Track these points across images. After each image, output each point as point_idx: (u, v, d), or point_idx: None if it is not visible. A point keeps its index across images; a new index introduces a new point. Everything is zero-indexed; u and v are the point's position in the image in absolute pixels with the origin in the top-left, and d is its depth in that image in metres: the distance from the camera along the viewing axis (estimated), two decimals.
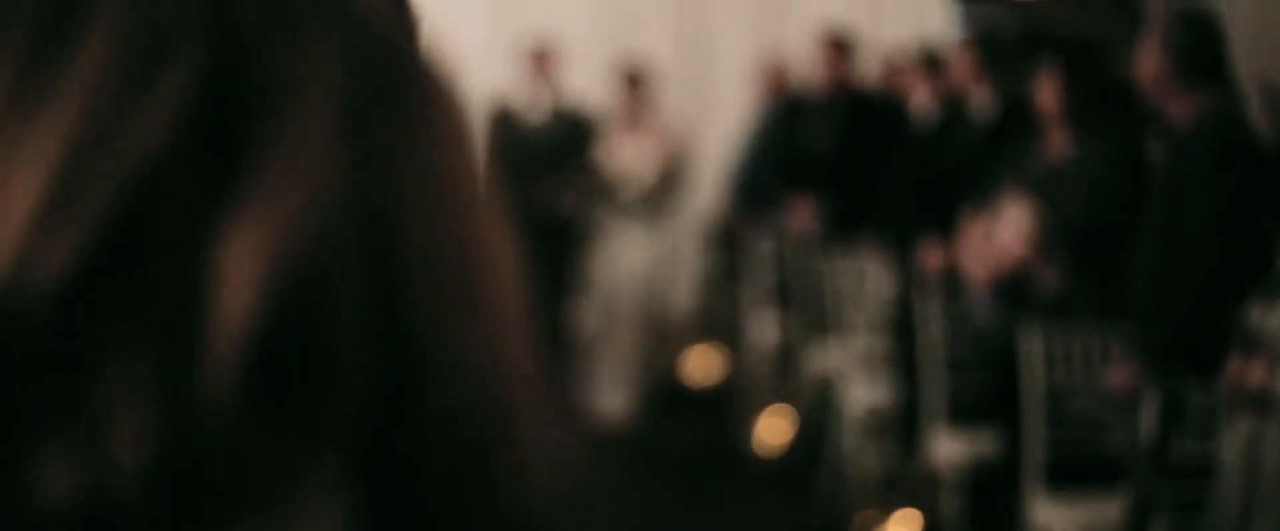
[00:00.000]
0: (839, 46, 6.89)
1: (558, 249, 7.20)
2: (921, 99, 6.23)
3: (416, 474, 0.48)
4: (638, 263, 7.48)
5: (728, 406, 6.93)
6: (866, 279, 6.39)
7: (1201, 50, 4.00)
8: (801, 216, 6.73)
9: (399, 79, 0.50)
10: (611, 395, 7.38)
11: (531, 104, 7.42)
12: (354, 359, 0.46)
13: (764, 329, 7.19)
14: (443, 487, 0.49)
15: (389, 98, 0.49)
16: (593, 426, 6.98)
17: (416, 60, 0.52)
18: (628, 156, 7.47)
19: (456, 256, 0.50)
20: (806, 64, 7.23)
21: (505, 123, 7.27)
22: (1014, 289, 4.59)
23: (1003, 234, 4.58)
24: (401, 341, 0.47)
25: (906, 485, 4.74)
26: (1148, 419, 3.84)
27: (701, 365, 7.75)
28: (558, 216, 7.19)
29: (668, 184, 7.57)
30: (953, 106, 5.62)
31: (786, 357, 6.79)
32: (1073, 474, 4.32)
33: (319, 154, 0.45)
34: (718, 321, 7.82)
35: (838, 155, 6.69)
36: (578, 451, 0.55)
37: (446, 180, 0.50)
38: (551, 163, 7.21)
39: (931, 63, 6.24)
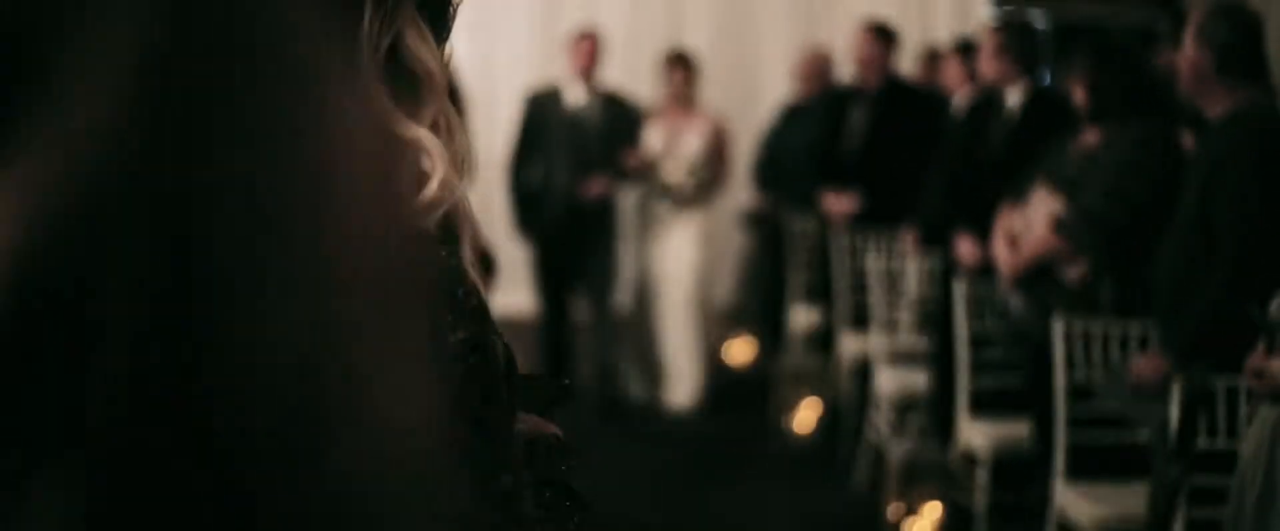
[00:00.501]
0: (880, 38, 6.91)
1: (592, 236, 7.11)
2: (960, 92, 6.27)
3: (194, 457, 0.43)
4: (687, 250, 7.31)
5: (765, 393, 6.99)
6: (903, 269, 6.44)
7: (1241, 47, 4.01)
8: (841, 207, 6.78)
9: (210, 34, 0.45)
10: (678, 387, 7.28)
11: (574, 88, 7.23)
12: (119, 334, 0.41)
13: (802, 317, 7.26)
14: (234, 473, 0.44)
15: (197, 54, 0.44)
16: (657, 416, 7.07)
17: (238, 13, 0.46)
18: (676, 141, 7.29)
19: (280, 229, 0.45)
20: (848, 57, 7.27)
21: (546, 106, 7.15)
22: (1043, 281, 4.62)
23: (1032, 227, 4.62)
24: (190, 317, 0.43)
25: (938, 473, 4.79)
26: (1173, 410, 3.87)
27: (741, 352, 7.82)
28: (591, 203, 7.06)
29: (717, 169, 7.40)
30: (988, 99, 5.64)
31: (823, 346, 6.85)
32: (1099, 464, 4.36)
33: (96, 116, 0.42)
34: (757, 309, 7.88)
35: (877, 147, 6.73)
36: (431, 427, 0.50)
37: (270, 142, 0.45)
38: (596, 148, 7.07)
39: (967, 52, 6.27)
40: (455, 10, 1.22)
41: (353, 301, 0.46)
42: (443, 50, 1.17)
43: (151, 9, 0.44)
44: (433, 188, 1.06)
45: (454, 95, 5.62)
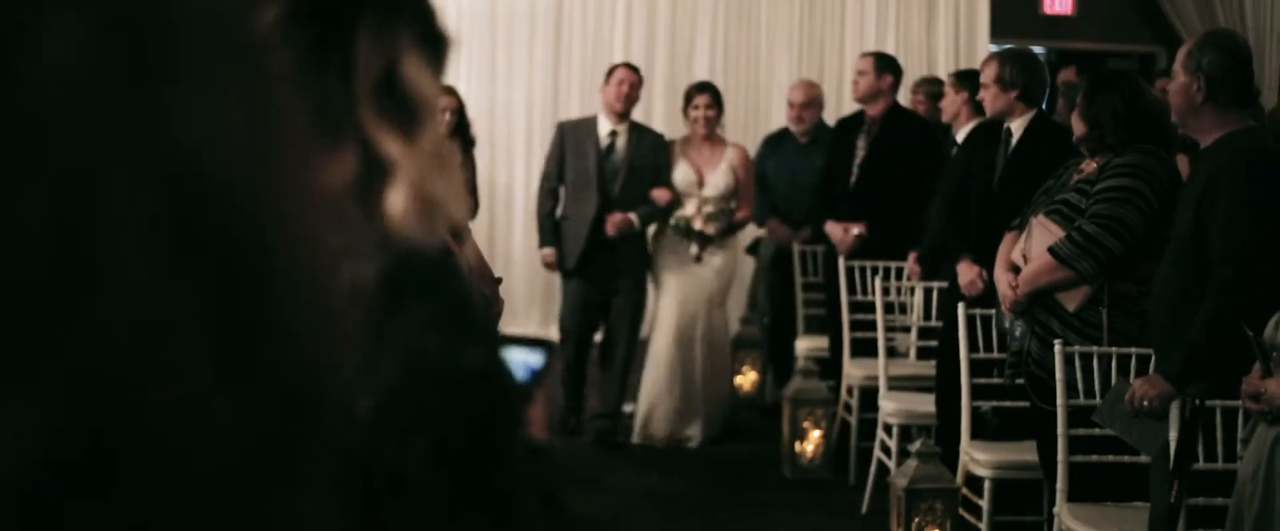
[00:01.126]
0: (882, 67, 7.01)
1: (623, 268, 7.04)
2: (960, 122, 6.35)
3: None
4: (710, 283, 7.11)
5: (773, 419, 7.05)
6: (908, 297, 6.52)
7: (1231, 75, 4.08)
8: (844, 235, 6.87)
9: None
10: (691, 425, 7.08)
11: (606, 121, 7.11)
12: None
13: (809, 345, 7.33)
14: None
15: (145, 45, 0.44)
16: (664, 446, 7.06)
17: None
18: (704, 177, 7.09)
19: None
20: (851, 88, 7.35)
21: (579, 136, 7.09)
22: (1042, 307, 4.69)
23: (1032, 254, 4.68)
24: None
25: (942, 497, 4.85)
26: (1172, 431, 3.93)
27: (750, 379, 7.88)
28: (617, 236, 6.95)
29: (744, 203, 7.19)
30: (990, 128, 5.72)
31: (831, 373, 6.92)
32: (1101, 485, 4.42)
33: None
34: (765, 337, 7.94)
35: (877, 174, 6.82)
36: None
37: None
38: (627, 180, 7.00)
39: (967, 82, 6.36)
40: (451, 43, 1.22)
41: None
42: (440, 79, 1.18)
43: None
44: (397, 205, 1.06)
45: (464, 131, 5.70)
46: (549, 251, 7.11)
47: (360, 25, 1.09)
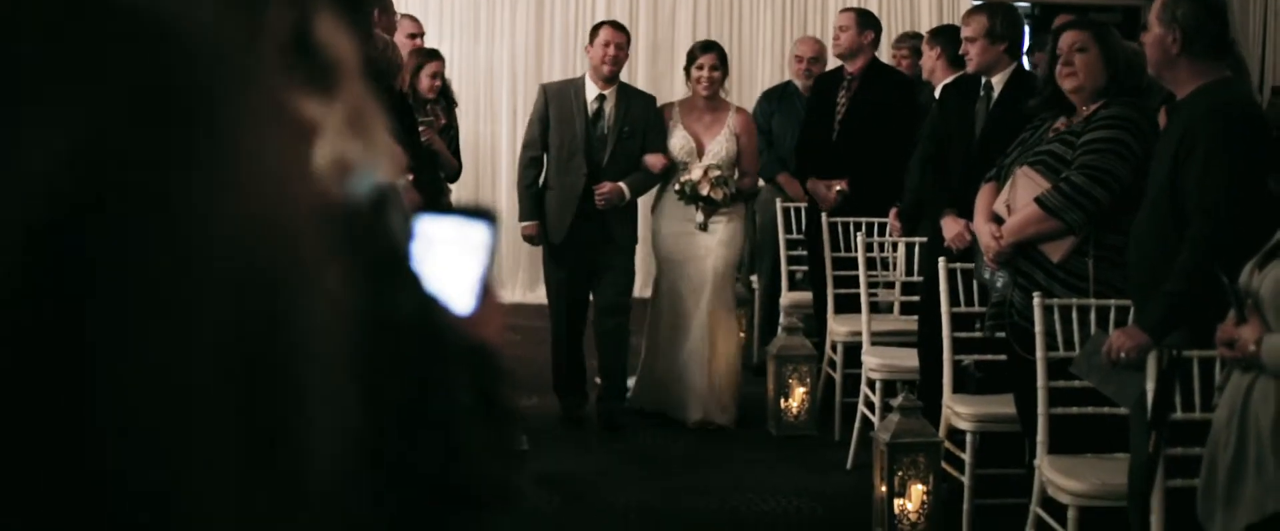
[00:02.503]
0: (862, 23, 7.01)
1: (611, 235, 6.58)
2: (937, 77, 6.36)
3: None
4: (713, 253, 6.63)
5: (759, 377, 7.07)
6: (890, 253, 6.54)
7: (1206, 26, 4.08)
8: (827, 192, 6.87)
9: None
10: (697, 409, 6.63)
11: (593, 84, 6.60)
12: None
13: (793, 300, 7.35)
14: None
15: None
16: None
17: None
18: (704, 144, 6.62)
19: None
20: (833, 46, 7.35)
21: (564, 99, 6.59)
22: (1025, 258, 4.70)
23: (1016, 206, 4.69)
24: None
25: (925, 450, 4.88)
26: (1149, 383, 3.95)
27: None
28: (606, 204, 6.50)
29: (750, 168, 6.74)
30: (971, 81, 5.72)
31: (815, 327, 6.94)
32: (1082, 437, 4.45)
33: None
34: (760, 297, 7.95)
35: (858, 130, 6.83)
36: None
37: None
38: (615, 145, 6.53)
39: (940, 38, 6.36)
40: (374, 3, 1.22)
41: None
42: (363, 40, 1.17)
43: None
44: (324, 164, 1.07)
45: (447, 93, 5.68)
46: (530, 224, 6.63)
47: None
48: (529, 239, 6.75)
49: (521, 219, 6.70)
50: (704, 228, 6.58)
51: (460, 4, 10.11)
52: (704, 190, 6.52)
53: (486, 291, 1.23)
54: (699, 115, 6.68)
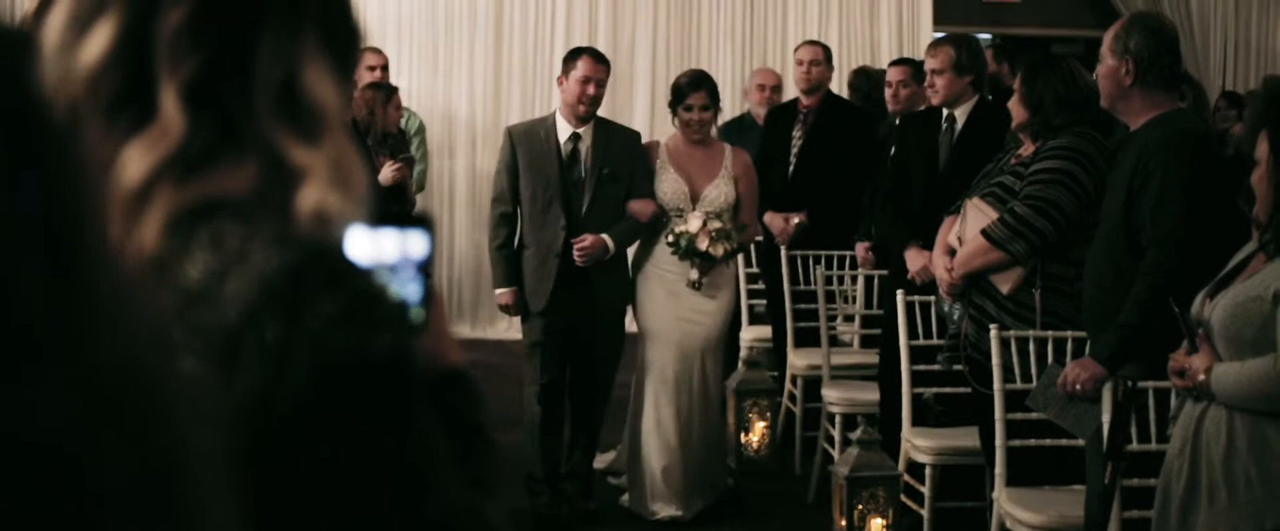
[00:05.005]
0: (830, 58, 7.05)
1: (599, 305, 5.66)
2: (899, 106, 6.37)
3: None
4: (705, 322, 5.75)
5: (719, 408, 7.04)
6: (850, 286, 6.53)
7: (1158, 57, 4.09)
8: (785, 225, 6.86)
9: None
10: (683, 501, 5.77)
11: (566, 124, 5.67)
12: None
13: (753, 335, 7.33)
14: None
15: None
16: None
17: None
18: (700, 191, 5.70)
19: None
20: (794, 77, 7.37)
21: (534, 140, 5.67)
22: (978, 291, 4.69)
23: (966, 238, 4.69)
24: None
25: (884, 484, 4.86)
26: (1105, 414, 3.94)
27: None
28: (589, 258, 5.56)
29: (750, 215, 5.88)
30: (932, 114, 5.72)
31: (774, 361, 6.92)
32: (1040, 469, 4.43)
33: None
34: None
35: (817, 164, 6.82)
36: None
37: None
38: (596, 193, 5.60)
39: (909, 69, 6.37)
40: (360, 50, 1.24)
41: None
42: (347, 88, 1.19)
43: None
44: (307, 209, 1.09)
45: (401, 137, 5.64)
46: (505, 292, 5.66)
47: (262, 39, 1.12)
48: (504, 308, 5.80)
49: (495, 286, 5.76)
50: (697, 286, 5.67)
51: (419, 41, 10.10)
52: (703, 245, 5.56)
53: (433, 301, 1.25)
54: (689, 156, 5.75)
